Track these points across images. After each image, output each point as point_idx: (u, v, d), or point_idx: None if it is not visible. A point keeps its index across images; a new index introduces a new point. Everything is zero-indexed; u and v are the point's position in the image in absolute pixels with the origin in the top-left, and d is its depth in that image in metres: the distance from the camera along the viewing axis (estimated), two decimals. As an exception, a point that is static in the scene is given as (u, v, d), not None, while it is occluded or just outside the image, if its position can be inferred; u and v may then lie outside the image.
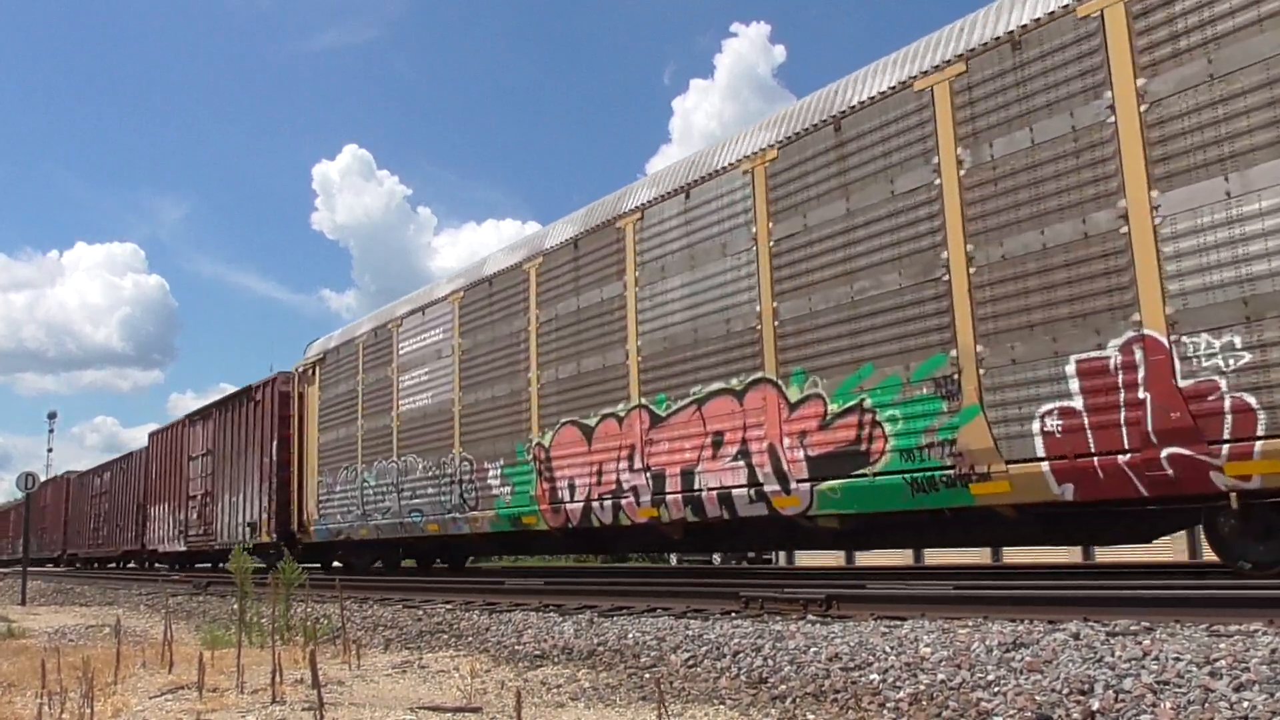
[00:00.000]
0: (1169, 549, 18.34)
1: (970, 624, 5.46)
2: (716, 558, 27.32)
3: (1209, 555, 17.37)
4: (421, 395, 14.14)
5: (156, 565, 30.24)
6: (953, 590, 6.77)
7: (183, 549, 24.63)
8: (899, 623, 5.84)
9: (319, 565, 22.76)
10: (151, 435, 28.44)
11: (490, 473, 12.55)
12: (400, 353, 14.75)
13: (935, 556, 19.54)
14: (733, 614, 7.16)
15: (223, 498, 21.56)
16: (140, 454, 29.92)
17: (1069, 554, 17.24)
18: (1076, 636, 4.72)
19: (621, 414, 10.56)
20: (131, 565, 33.87)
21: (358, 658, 6.91)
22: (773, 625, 6.27)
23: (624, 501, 10.40)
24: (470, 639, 7.64)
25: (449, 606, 9.68)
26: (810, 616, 6.64)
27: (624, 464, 10.46)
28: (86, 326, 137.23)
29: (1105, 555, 17.51)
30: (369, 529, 15.30)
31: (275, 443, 18.84)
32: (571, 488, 11.21)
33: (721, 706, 4.79)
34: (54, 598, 19.20)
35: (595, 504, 10.81)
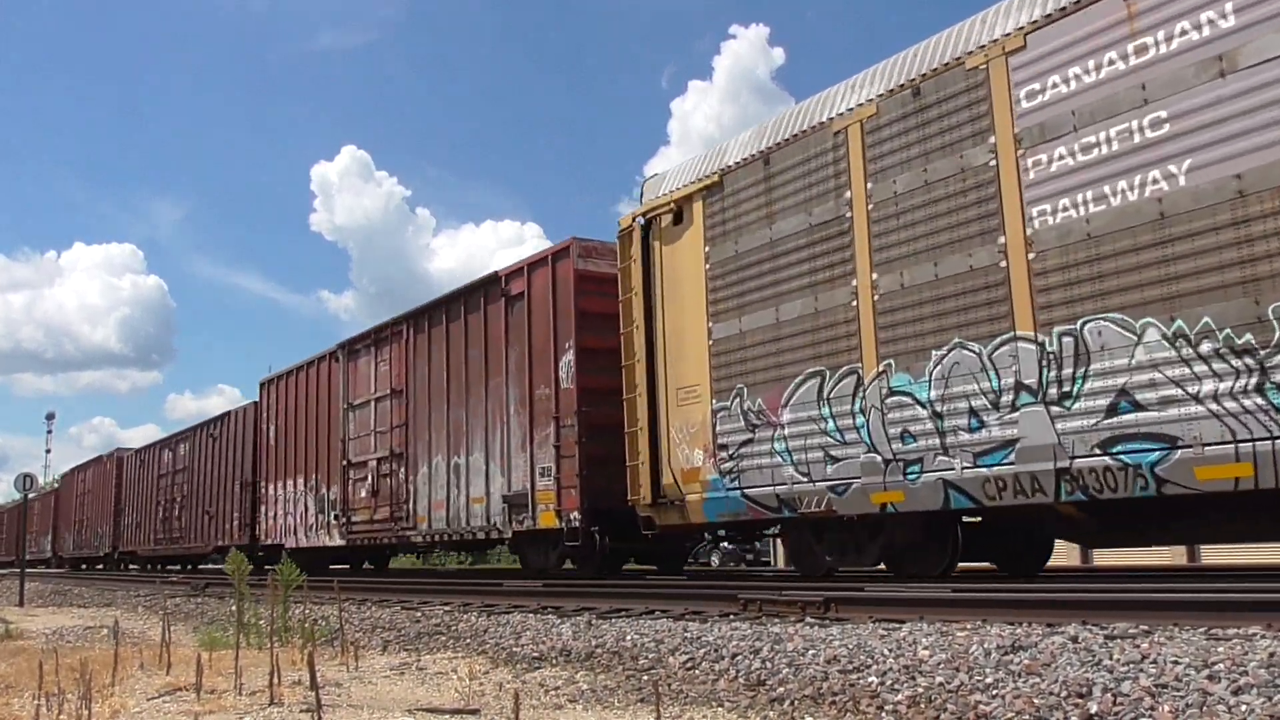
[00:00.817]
0: (1168, 552, 18.35)
1: (969, 627, 5.46)
2: (715, 559, 27.23)
3: (1208, 558, 17.44)
4: (1143, 173, 6.82)
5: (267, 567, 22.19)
6: (951, 593, 6.77)
7: (337, 543, 16.96)
8: (897, 625, 5.84)
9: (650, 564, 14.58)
10: (264, 384, 20.78)
11: None
12: (1030, 106, 7.44)
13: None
14: (731, 616, 7.16)
15: (429, 461, 14.24)
16: (243, 413, 22.00)
17: (1067, 556, 17.25)
18: (1075, 639, 4.72)
19: None
20: (207, 567, 25.80)
21: (356, 659, 6.91)
22: (771, 627, 6.26)
23: None
24: (469, 641, 7.64)
25: (447, 608, 9.68)
26: (809, 619, 6.63)
27: None
28: (84, 327, 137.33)
29: (1103, 559, 17.52)
30: (916, 489, 7.96)
31: (565, 360, 11.67)
32: None
33: (720, 709, 4.79)
34: (52, 599, 19.18)
35: None
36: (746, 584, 9.49)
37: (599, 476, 11.25)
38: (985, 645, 4.82)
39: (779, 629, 6.15)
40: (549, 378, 11.93)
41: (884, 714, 4.35)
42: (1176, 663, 4.06)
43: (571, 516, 11.36)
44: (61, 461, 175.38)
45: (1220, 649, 4.21)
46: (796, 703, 4.72)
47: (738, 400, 9.41)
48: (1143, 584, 7.65)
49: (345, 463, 16.59)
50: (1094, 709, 3.81)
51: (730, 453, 9.44)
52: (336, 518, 16.85)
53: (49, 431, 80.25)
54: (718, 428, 9.57)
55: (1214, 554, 17.83)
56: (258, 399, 21.25)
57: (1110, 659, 4.28)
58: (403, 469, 14.89)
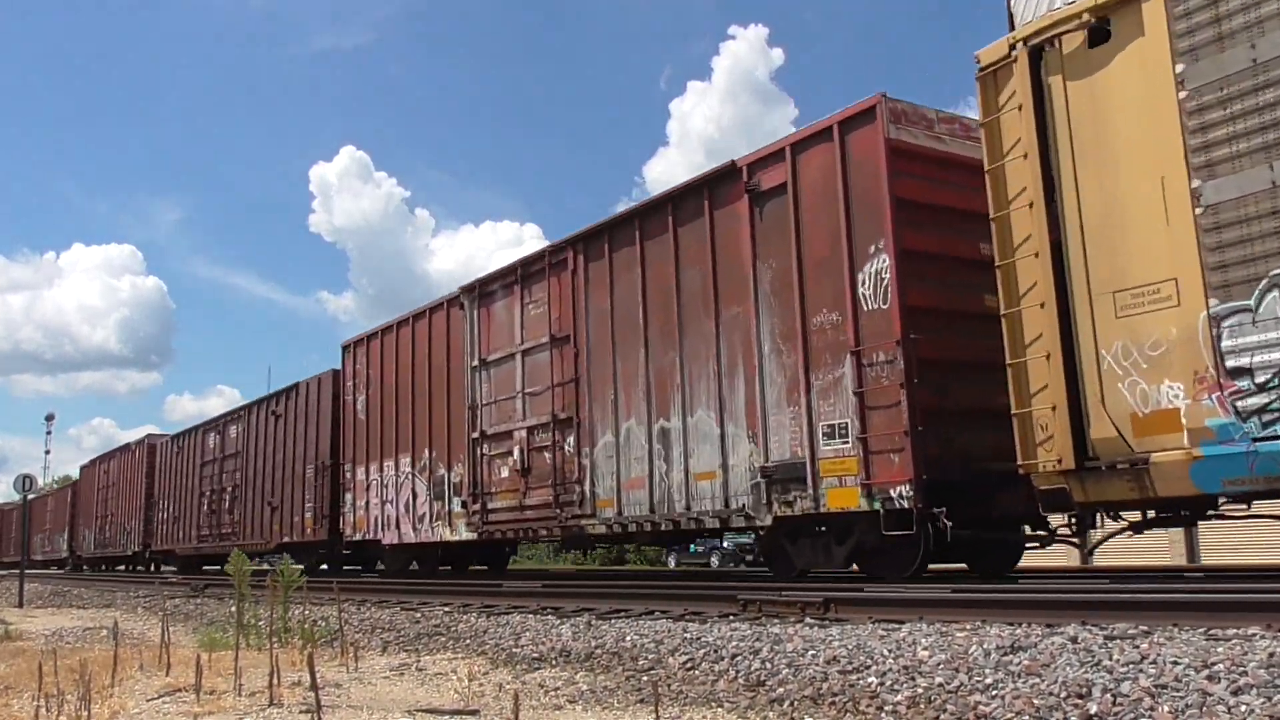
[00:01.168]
0: (1167, 552, 18.35)
1: (968, 627, 5.46)
2: (714, 560, 27.28)
3: (1208, 559, 17.45)
4: None
5: (346, 567, 18.56)
6: (951, 593, 6.77)
7: (464, 536, 13.67)
8: (897, 626, 5.84)
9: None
10: (349, 346, 17.41)
11: None
12: None
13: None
14: (731, 617, 7.16)
15: (616, 427, 11.01)
16: (318, 383, 18.65)
17: (1067, 556, 17.26)
18: (1074, 640, 4.72)
19: None
20: (262, 567, 19.39)
21: (355, 660, 6.92)
22: (771, 628, 6.27)
23: None
24: (468, 641, 7.64)
25: (447, 609, 9.68)
26: (808, 619, 6.64)
27: None
28: (84, 328, 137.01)
29: (1103, 559, 17.52)
30: None
31: (871, 270, 8.35)
32: None
33: (719, 709, 4.79)
34: (51, 600, 19.18)
35: None
36: (746, 584, 9.49)
37: (933, 436, 8.06)
38: (985, 645, 4.82)
39: (778, 629, 6.15)
40: (839, 298, 8.62)
41: (883, 714, 4.35)
42: (1176, 663, 4.06)
43: (894, 493, 8.00)
44: (61, 463, 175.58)
45: (1220, 649, 4.21)
46: (796, 703, 4.72)
47: (1275, 295, 6.08)
48: (1142, 584, 7.65)
49: (476, 435, 13.32)
50: (1093, 709, 3.81)
51: (1262, 380, 6.09)
52: (464, 505, 13.47)
53: (48, 433, 79.89)
54: (1225, 343, 6.23)
55: (1214, 554, 17.84)
56: (339, 365, 17.75)
57: (1110, 659, 4.29)
58: (571, 438, 11.62)
